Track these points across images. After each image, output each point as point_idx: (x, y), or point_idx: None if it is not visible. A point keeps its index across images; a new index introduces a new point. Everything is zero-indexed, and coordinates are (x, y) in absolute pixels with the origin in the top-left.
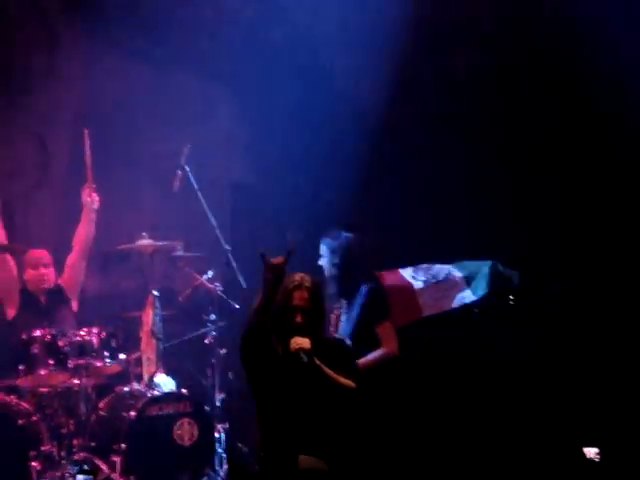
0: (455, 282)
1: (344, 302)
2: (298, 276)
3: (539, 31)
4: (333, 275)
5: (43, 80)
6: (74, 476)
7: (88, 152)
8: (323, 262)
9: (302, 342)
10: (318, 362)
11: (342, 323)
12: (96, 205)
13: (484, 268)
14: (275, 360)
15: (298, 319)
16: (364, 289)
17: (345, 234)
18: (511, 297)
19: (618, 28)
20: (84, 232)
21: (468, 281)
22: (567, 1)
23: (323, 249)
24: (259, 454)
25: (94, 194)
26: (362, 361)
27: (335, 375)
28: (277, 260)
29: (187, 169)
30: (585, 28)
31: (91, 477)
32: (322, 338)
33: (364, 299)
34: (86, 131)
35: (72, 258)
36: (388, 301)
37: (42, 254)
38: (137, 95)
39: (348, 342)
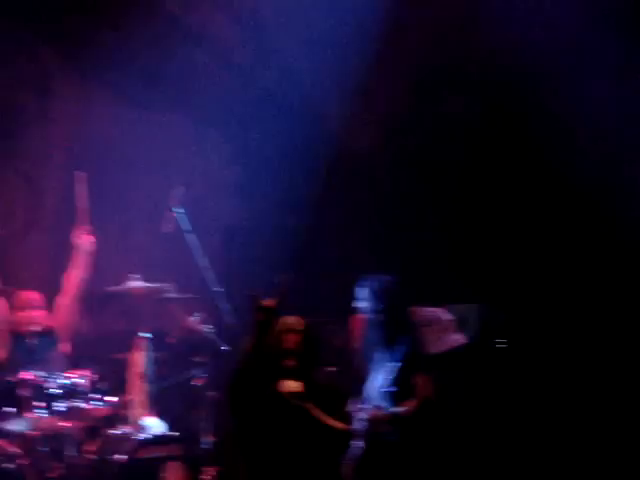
0: (446, 325)
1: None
2: (290, 319)
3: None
4: (379, 321)
5: (35, 122)
6: None
7: (81, 195)
8: (363, 305)
9: (292, 386)
10: (308, 406)
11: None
12: (90, 248)
13: (472, 311)
14: (266, 404)
15: (290, 362)
16: (407, 338)
17: (388, 279)
18: (501, 341)
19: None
20: (76, 275)
21: (458, 324)
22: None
23: (365, 293)
24: None
25: (88, 237)
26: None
27: (326, 418)
28: (267, 302)
29: (179, 210)
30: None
31: None
32: (314, 382)
33: (407, 349)
34: (77, 173)
35: (62, 300)
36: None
37: (32, 296)
38: (128, 137)
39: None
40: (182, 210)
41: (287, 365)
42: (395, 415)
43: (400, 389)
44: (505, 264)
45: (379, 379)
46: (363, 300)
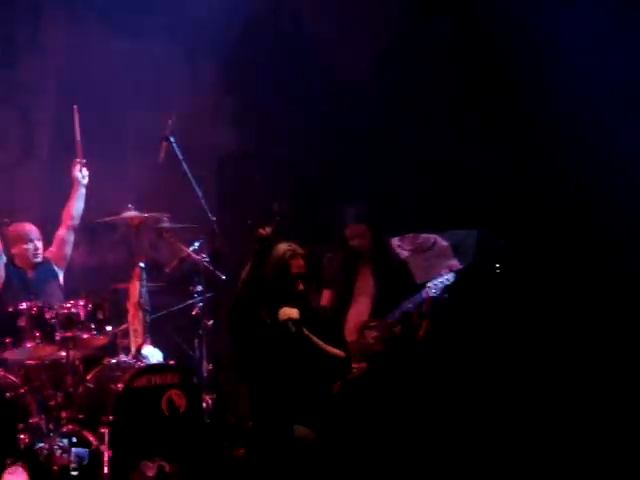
0: (442, 251)
1: (370, 273)
2: (290, 245)
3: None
4: (374, 248)
5: (26, 51)
6: (68, 449)
7: (78, 128)
8: (361, 242)
9: (290, 312)
10: (307, 332)
11: (365, 292)
12: (86, 180)
13: (471, 236)
14: (264, 331)
15: (300, 287)
16: (397, 265)
17: (367, 205)
18: (497, 266)
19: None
20: (73, 207)
21: (455, 250)
22: None
23: (362, 228)
24: (248, 424)
25: (84, 169)
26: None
27: (324, 344)
28: (264, 230)
29: (172, 140)
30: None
31: (86, 450)
32: (311, 308)
33: (399, 276)
34: (75, 107)
35: (61, 232)
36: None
37: (32, 228)
38: (121, 66)
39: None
40: (175, 139)
41: (298, 289)
42: (393, 335)
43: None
44: (501, 190)
45: (370, 302)
46: (357, 232)
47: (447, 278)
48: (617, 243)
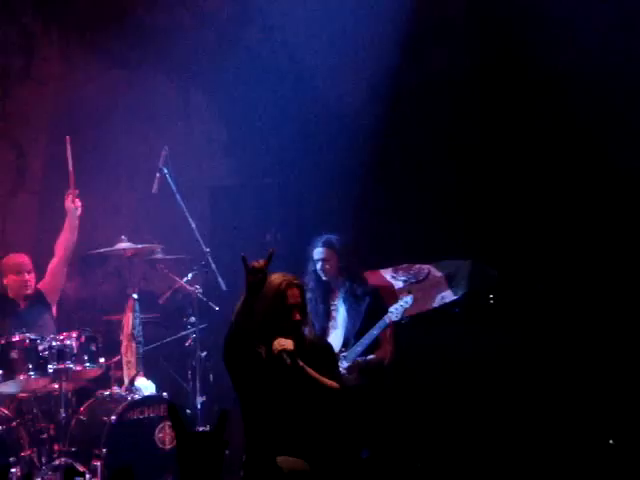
0: (436, 281)
1: (341, 304)
2: (285, 276)
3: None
4: (344, 278)
5: (19, 84)
6: None
7: (70, 159)
8: (326, 266)
9: (285, 343)
10: (301, 364)
11: (339, 325)
12: (79, 211)
13: (464, 267)
14: (259, 363)
15: (297, 317)
16: (369, 291)
17: (340, 235)
18: (491, 296)
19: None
20: (67, 238)
21: (448, 280)
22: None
23: (325, 252)
24: (242, 457)
25: (77, 200)
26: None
27: (319, 376)
28: (259, 263)
29: (165, 171)
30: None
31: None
32: (306, 337)
33: (370, 301)
34: (68, 138)
35: (54, 264)
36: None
37: (24, 259)
38: (115, 98)
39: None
40: (168, 171)
41: (295, 319)
42: (366, 363)
43: (367, 339)
44: (497, 219)
45: (342, 334)
46: (323, 259)
47: (406, 301)
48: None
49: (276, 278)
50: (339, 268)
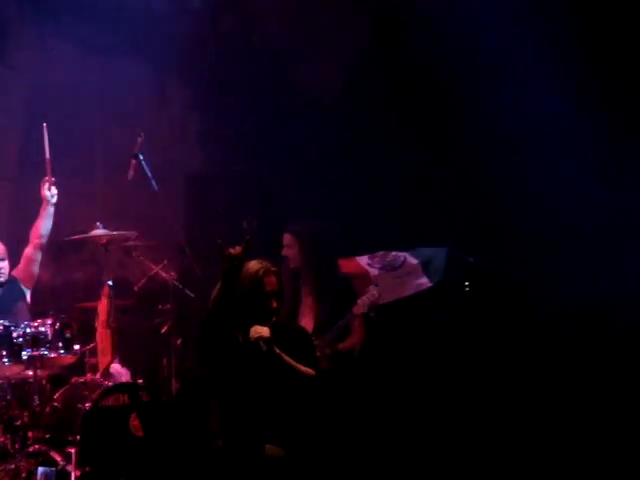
0: (412, 269)
1: (309, 291)
2: (262, 263)
3: None
4: (307, 265)
5: None
6: (34, 469)
7: (47, 146)
8: (289, 252)
9: (261, 331)
10: (278, 351)
11: (308, 312)
12: (55, 199)
13: (440, 254)
14: (235, 350)
15: (274, 304)
16: (338, 279)
17: (312, 223)
18: (467, 283)
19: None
20: (42, 225)
21: (424, 267)
22: None
23: (289, 239)
24: (218, 443)
25: (53, 187)
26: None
27: (295, 363)
28: (235, 250)
29: (141, 157)
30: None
31: (53, 469)
32: (283, 325)
33: (338, 290)
34: (44, 125)
35: (28, 251)
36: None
37: None
38: (89, 84)
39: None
40: (143, 157)
41: (272, 307)
42: (335, 352)
43: (335, 329)
44: (473, 207)
45: (312, 321)
46: (289, 246)
47: (372, 294)
48: (585, 261)
49: (253, 265)
50: (304, 255)
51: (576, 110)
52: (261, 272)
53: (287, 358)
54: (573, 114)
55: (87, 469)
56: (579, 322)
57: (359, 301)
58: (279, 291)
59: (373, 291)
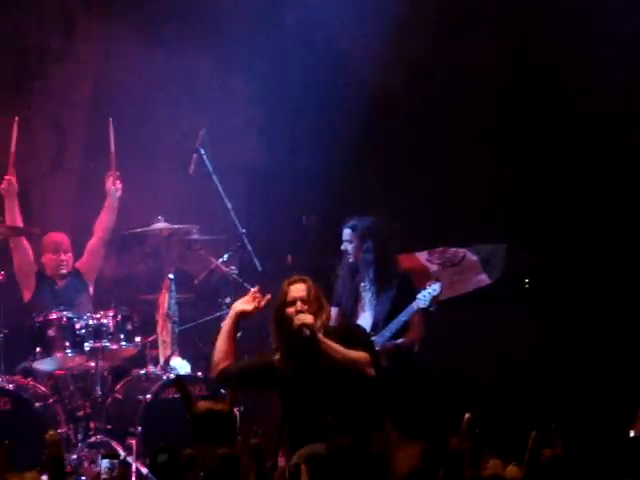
0: (471, 265)
1: (369, 287)
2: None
3: None
4: (368, 260)
5: (59, 64)
6: (97, 460)
7: (112, 140)
8: (349, 247)
9: (304, 317)
10: (320, 336)
11: (367, 307)
12: (119, 193)
13: (499, 251)
14: (279, 383)
15: (299, 306)
16: (398, 275)
17: (372, 218)
18: (526, 280)
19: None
20: (106, 219)
21: (484, 264)
22: None
23: (348, 234)
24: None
25: (118, 182)
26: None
27: (343, 349)
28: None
29: (202, 152)
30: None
31: (115, 461)
32: (328, 328)
33: (399, 285)
34: (110, 120)
35: (92, 244)
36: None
37: (62, 239)
38: (153, 77)
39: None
40: (205, 152)
41: (298, 310)
42: (395, 347)
43: (395, 324)
44: (534, 204)
45: (371, 316)
46: (349, 241)
47: (434, 288)
48: None
49: (283, 283)
50: (362, 250)
51: None
52: (287, 283)
53: (332, 344)
54: None
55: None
56: (635, 319)
57: (420, 295)
58: (304, 297)
59: (434, 285)
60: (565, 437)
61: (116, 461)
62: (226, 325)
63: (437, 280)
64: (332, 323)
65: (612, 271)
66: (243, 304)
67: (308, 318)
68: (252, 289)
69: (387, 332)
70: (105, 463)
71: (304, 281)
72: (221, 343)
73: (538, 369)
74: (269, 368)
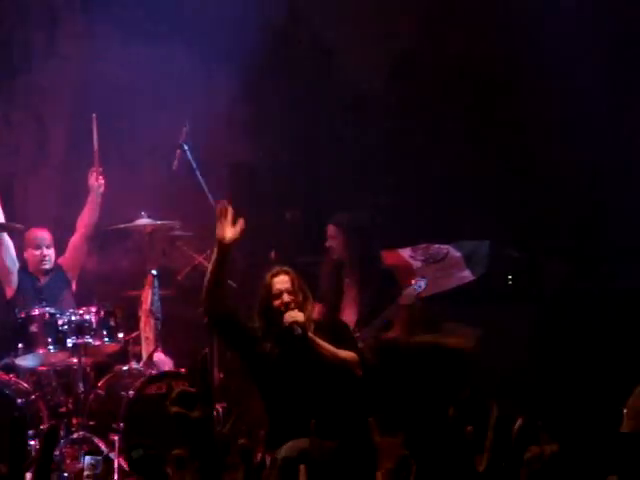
0: (454, 261)
1: (353, 283)
2: (277, 266)
3: None
4: (352, 257)
5: (42, 59)
6: (81, 458)
7: (96, 137)
8: (333, 244)
9: (295, 315)
10: (311, 335)
11: (352, 304)
12: (102, 189)
13: (483, 247)
14: (269, 362)
15: (285, 298)
16: (382, 271)
17: (356, 214)
18: (509, 277)
19: None
20: (89, 215)
21: (467, 260)
22: None
23: (333, 230)
24: (260, 433)
25: (101, 178)
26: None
27: (333, 348)
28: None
29: (186, 148)
30: None
31: (99, 458)
32: (314, 320)
33: (382, 282)
34: (94, 115)
35: (75, 240)
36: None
37: (45, 234)
38: (136, 73)
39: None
40: (188, 147)
41: (284, 302)
42: (379, 344)
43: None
44: (516, 200)
45: (355, 313)
46: (333, 237)
47: (419, 285)
48: (629, 253)
49: (267, 272)
50: (348, 247)
51: None
52: (268, 276)
53: (323, 343)
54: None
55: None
56: (622, 314)
57: (405, 292)
58: (289, 288)
59: (420, 282)
60: (554, 434)
61: (99, 457)
62: (213, 256)
63: (423, 277)
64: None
65: (599, 266)
66: (222, 232)
67: (299, 316)
68: (218, 206)
69: (372, 328)
70: (88, 460)
71: (287, 272)
72: (210, 274)
73: (523, 365)
74: (252, 340)
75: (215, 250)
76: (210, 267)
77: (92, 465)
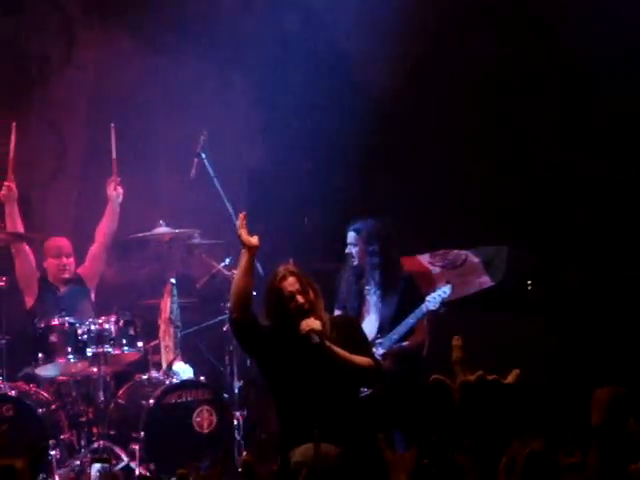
0: (473, 267)
1: (374, 290)
2: (280, 268)
3: None
4: (373, 263)
5: (59, 69)
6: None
7: (114, 146)
8: (353, 250)
9: (312, 323)
10: (329, 343)
11: (373, 310)
12: (120, 199)
13: (501, 253)
14: (288, 348)
15: (299, 300)
16: (404, 278)
17: (376, 220)
18: (529, 282)
19: None
20: (108, 225)
21: (486, 266)
22: None
23: (353, 237)
24: (279, 442)
25: (119, 187)
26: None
27: (349, 355)
28: (253, 240)
29: (203, 156)
30: None
31: (107, 465)
32: (325, 318)
33: (404, 288)
34: (112, 125)
35: (94, 249)
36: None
37: (64, 243)
38: (153, 82)
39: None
40: (206, 156)
41: (298, 305)
42: (401, 350)
43: (403, 327)
44: (535, 204)
45: (377, 319)
46: (353, 244)
47: (444, 291)
48: None
49: (271, 276)
50: (368, 253)
51: None
52: (276, 280)
53: (339, 350)
54: None
55: (152, 466)
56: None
57: (429, 297)
58: (300, 289)
59: (445, 288)
60: (575, 442)
61: (107, 466)
62: (242, 264)
63: (447, 282)
64: None
65: (615, 272)
66: (247, 237)
67: (316, 324)
68: (240, 216)
69: (394, 335)
70: (96, 468)
71: (293, 273)
72: (241, 281)
73: (541, 371)
74: (271, 345)
75: (243, 258)
76: (238, 274)
77: (100, 473)
